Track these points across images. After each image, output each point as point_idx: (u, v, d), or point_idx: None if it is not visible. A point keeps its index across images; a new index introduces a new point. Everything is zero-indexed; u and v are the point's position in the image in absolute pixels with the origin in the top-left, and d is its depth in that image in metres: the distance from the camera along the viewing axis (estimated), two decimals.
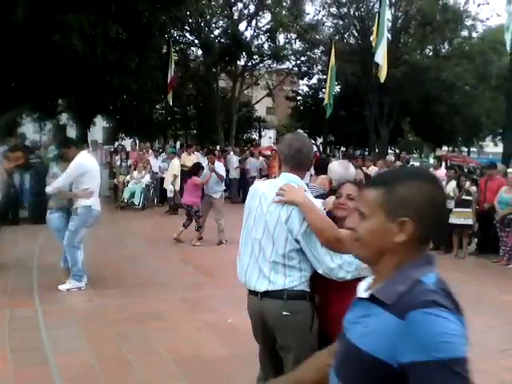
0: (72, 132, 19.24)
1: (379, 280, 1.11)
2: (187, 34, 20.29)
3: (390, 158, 12.81)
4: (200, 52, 21.45)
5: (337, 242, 2.01)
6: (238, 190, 14.36)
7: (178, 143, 24.01)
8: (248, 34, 20.54)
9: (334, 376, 1.13)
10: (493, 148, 29.64)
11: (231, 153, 14.82)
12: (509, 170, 8.76)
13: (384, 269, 1.11)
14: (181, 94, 20.59)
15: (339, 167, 3.03)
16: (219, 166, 8.29)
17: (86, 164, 5.09)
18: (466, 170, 11.98)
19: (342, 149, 29.02)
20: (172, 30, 17.32)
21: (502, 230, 7.99)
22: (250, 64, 21.74)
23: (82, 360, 3.52)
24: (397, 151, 30.65)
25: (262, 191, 2.25)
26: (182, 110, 23.43)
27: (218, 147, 16.87)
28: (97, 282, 5.33)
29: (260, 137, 30.20)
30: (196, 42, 20.56)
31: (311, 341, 2.18)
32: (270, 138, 36.47)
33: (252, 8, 20.24)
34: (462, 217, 8.10)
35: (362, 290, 1.14)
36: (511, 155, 10.53)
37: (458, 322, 0.99)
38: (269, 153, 16.52)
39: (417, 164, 11.27)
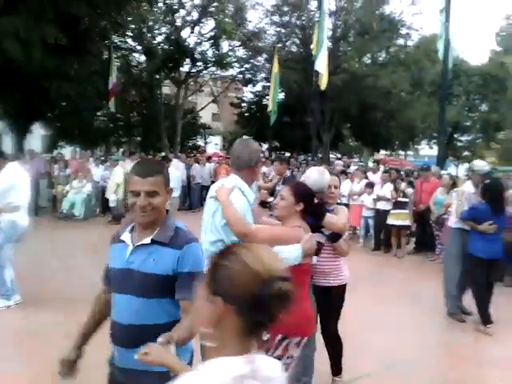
0: (8, 141, 18.28)
1: (145, 232, 1.77)
2: (129, 40, 19.93)
3: (339, 163, 13.00)
4: (143, 58, 21.12)
5: (244, 236, 2.34)
6: (184, 197, 14.16)
7: (121, 150, 23.46)
8: (191, 40, 20.48)
9: (132, 298, 1.73)
10: (428, 151, 31.06)
11: (174, 160, 14.62)
12: (443, 172, 9.23)
13: (156, 223, 1.78)
14: (123, 100, 20.16)
15: (315, 173, 3.14)
16: None
17: (13, 178, 4.80)
18: (402, 173, 12.48)
19: (287, 154, 29.46)
20: (113, 36, 16.94)
21: (437, 229, 8.39)
22: (194, 71, 21.65)
23: (19, 381, 3.35)
24: (338, 156, 31.49)
25: (212, 188, 2.69)
26: (125, 116, 22.93)
27: (162, 154, 16.62)
28: (32, 299, 5.01)
29: (206, 143, 30.08)
30: (138, 48, 20.22)
31: None
32: (217, 144, 36.40)
33: (195, 15, 20.20)
34: (399, 218, 8.44)
35: (129, 240, 1.79)
36: (445, 158, 11.08)
37: (199, 247, 1.84)
38: (216, 159, 16.52)
39: (355, 167, 11.58)
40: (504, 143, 33.76)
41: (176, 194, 8.14)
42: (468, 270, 5.12)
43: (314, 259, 2.88)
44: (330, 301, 3.28)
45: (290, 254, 2.24)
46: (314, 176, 3.08)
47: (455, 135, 29.29)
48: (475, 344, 4.69)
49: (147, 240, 1.75)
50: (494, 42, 43.23)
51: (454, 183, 8.38)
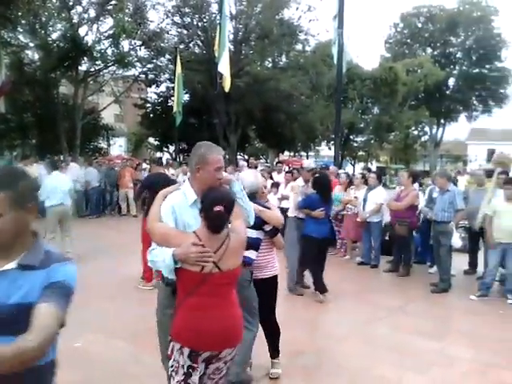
0: None
1: (6, 257, 1.51)
2: (20, 36, 18.53)
3: (244, 164, 13.22)
4: (36, 56, 19.74)
5: (149, 231, 2.48)
6: (83, 202, 13.45)
7: (14, 154, 21.76)
8: (89, 38, 19.57)
9: (7, 337, 1.37)
10: (328, 152, 32.72)
11: (71, 163, 13.89)
12: (340, 171, 9.83)
13: (17, 247, 1.53)
14: (15, 100, 18.70)
15: (250, 176, 3.51)
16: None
17: None
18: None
19: None
20: (2, 31, 15.66)
21: (337, 224, 8.90)
22: (93, 69, 20.71)
23: None
24: (246, 157, 32.03)
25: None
26: (17, 117, 21.27)
27: (61, 157, 15.72)
28: None
29: (109, 145, 28.91)
30: (31, 44, 18.87)
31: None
32: (121, 146, 35.16)
33: (92, 12, 19.34)
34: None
35: None
36: (342, 157, 11.77)
37: (76, 269, 1.62)
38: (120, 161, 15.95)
39: (261, 168, 11.90)
40: (394, 143, 36.63)
41: (66, 201, 7.53)
42: (304, 249, 6.00)
43: (254, 255, 3.27)
44: (267, 291, 3.60)
45: (163, 262, 2.28)
46: (251, 178, 3.43)
47: (351, 136, 31.13)
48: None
49: (8, 266, 1.49)
50: (383, 49, 46.77)
51: (350, 181, 8.98)
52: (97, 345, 4.32)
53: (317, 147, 32.76)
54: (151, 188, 6.83)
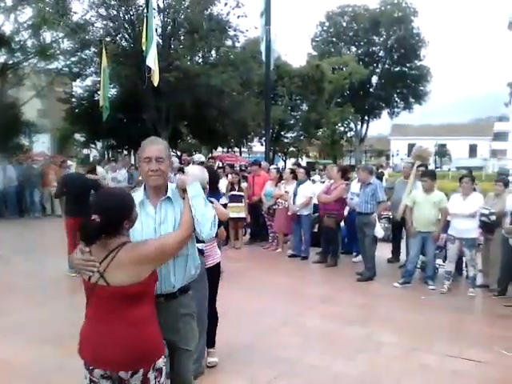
0: None
1: None
2: None
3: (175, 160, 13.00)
4: None
5: None
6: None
7: None
8: (7, 28, 18.36)
9: None
10: (260, 148, 33.10)
11: None
12: (271, 167, 10.01)
13: None
14: None
15: (198, 171, 3.56)
16: None
17: None
18: (237, 168, 13.13)
19: (125, 153, 28.48)
20: None
21: (269, 219, 9.08)
22: (11, 62, 19.45)
23: None
24: (178, 153, 31.61)
25: None
26: None
27: None
28: None
29: (31, 142, 27.30)
30: None
31: None
32: (44, 143, 33.35)
33: (9, 1, 18.12)
34: (235, 211, 8.89)
35: None
36: (273, 153, 11.97)
37: None
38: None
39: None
40: (322, 139, 37.77)
41: None
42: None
43: (201, 246, 3.34)
44: (212, 279, 3.72)
45: None
46: (198, 173, 3.41)
47: (282, 132, 31.68)
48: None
49: None
50: (310, 47, 48.00)
51: (280, 176, 9.17)
52: (20, 354, 4.10)
53: (249, 143, 32.98)
54: (70, 186, 6.71)
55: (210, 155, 25.00)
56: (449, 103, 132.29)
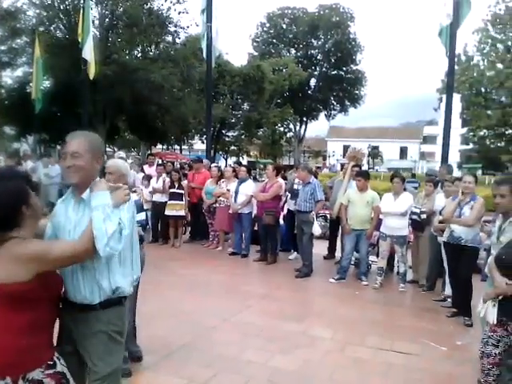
0: None
1: None
2: None
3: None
4: None
5: None
6: None
7: None
8: None
9: None
10: (201, 145, 32.94)
11: None
12: (212, 165, 9.96)
13: None
14: None
15: (121, 163, 3.54)
16: None
17: None
18: (178, 166, 12.98)
19: (58, 147, 27.24)
20: None
21: (209, 217, 9.05)
22: None
23: None
24: (115, 150, 30.72)
25: None
26: None
27: None
28: None
29: None
30: None
31: None
32: None
33: None
34: (174, 209, 8.79)
35: None
36: (215, 151, 11.94)
37: None
38: None
39: (131, 161, 11.48)
40: (263, 139, 38.20)
41: None
42: None
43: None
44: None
45: None
46: (124, 165, 3.41)
47: (223, 131, 31.69)
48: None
49: None
50: (251, 47, 48.38)
51: (221, 174, 9.16)
52: None
53: (190, 141, 32.70)
54: None
55: (149, 152, 24.51)
56: (382, 107, 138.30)
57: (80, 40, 10.53)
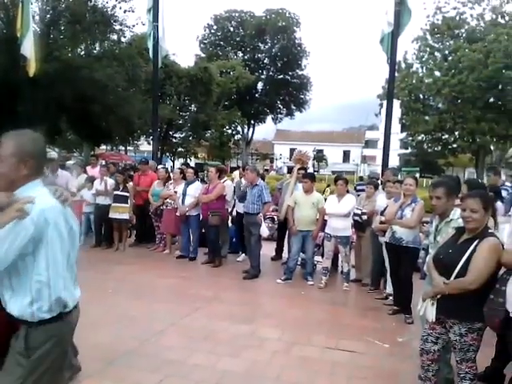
0: None
1: None
2: None
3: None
4: None
5: None
6: None
7: None
8: None
9: None
10: (148, 147, 32.29)
11: None
12: (159, 166, 9.80)
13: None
14: None
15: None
16: None
17: None
18: (122, 167, 12.67)
19: None
20: None
21: (156, 220, 8.90)
22: None
23: None
24: (56, 150, 29.52)
25: None
26: None
27: None
28: None
29: None
30: None
31: None
32: None
33: None
34: (118, 211, 8.58)
35: None
36: (162, 153, 11.74)
37: None
38: None
39: (73, 162, 11.12)
40: (211, 141, 38.07)
41: None
42: None
43: None
44: None
45: None
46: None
47: (170, 132, 31.28)
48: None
49: None
50: (198, 48, 48.16)
51: (169, 176, 9.05)
52: None
53: (136, 142, 31.97)
54: None
55: (93, 153, 23.75)
56: (327, 111, 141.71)
57: (19, 35, 10.03)
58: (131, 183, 9.07)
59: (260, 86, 49.16)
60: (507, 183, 6.43)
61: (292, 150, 35.85)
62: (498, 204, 4.65)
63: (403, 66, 36.52)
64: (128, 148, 34.87)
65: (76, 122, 23.26)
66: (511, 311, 2.91)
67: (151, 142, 13.49)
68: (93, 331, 4.31)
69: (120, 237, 8.85)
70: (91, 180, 9.01)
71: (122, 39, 21.83)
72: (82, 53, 21.43)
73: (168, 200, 8.54)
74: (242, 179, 8.33)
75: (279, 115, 52.48)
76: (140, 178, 9.26)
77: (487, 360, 3.91)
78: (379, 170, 9.68)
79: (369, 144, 57.32)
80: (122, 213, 8.59)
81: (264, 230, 7.24)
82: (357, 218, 6.85)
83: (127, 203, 8.66)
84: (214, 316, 5.33)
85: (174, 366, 3.94)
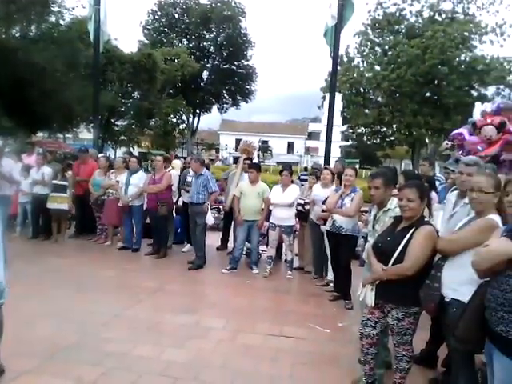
0: None
1: None
2: None
3: None
4: None
5: None
6: None
7: None
8: None
9: None
10: (88, 134, 31.06)
11: None
12: (100, 155, 9.51)
13: None
14: None
15: None
16: None
17: None
18: (61, 156, 12.17)
19: None
20: None
21: (97, 210, 8.65)
22: None
23: None
24: None
25: None
26: None
27: None
28: None
29: None
30: None
31: None
32: None
33: None
34: (56, 201, 8.26)
35: None
36: (103, 141, 11.35)
37: None
38: None
39: (7, 150, 10.48)
40: (155, 130, 37.28)
41: None
42: None
43: None
44: None
45: None
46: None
47: (112, 120, 30.29)
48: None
49: None
50: (142, 34, 46.87)
51: (110, 165, 8.79)
52: None
53: (75, 129, 30.67)
54: None
55: (29, 140, 22.56)
56: (271, 102, 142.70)
57: None
58: (70, 172, 8.73)
59: (205, 74, 48.64)
60: (439, 174, 6.78)
61: (238, 141, 35.88)
62: (433, 194, 4.90)
63: (345, 59, 37.35)
64: (67, 136, 33.38)
65: (10, 107, 21.99)
66: (446, 295, 3.09)
67: (91, 130, 12.96)
68: (30, 326, 4.17)
69: (59, 228, 8.53)
70: (27, 169, 8.60)
71: (62, 22, 20.84)
72: (18, 34, 20.26)
73: (109, 190, 8.31)
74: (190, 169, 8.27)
75: (225, 105, 52.24)
76: (80, 167, 8.94)
77: (422, 343, 4.16)
78: (322, 161, 9.90)
79: (312, 136, 58.46)
80: (60, 203, 8.28)
81: (209, 219, 7.24)
82: (300, 207, 7.01)
83: (66, 193, 8.35)
84: (158, 307, 5.28)
85: (117, 359, 3.88)
